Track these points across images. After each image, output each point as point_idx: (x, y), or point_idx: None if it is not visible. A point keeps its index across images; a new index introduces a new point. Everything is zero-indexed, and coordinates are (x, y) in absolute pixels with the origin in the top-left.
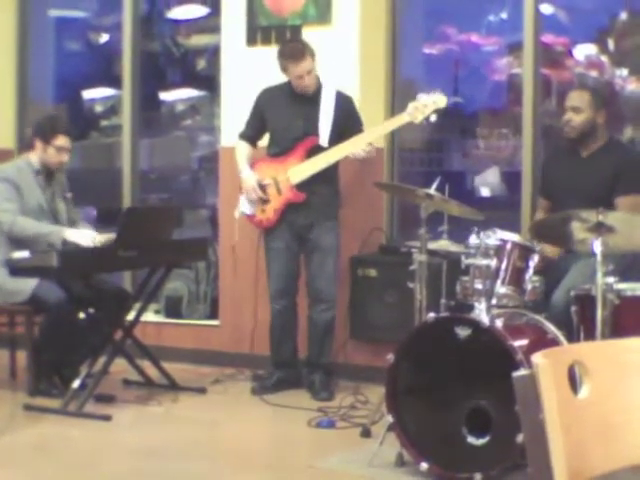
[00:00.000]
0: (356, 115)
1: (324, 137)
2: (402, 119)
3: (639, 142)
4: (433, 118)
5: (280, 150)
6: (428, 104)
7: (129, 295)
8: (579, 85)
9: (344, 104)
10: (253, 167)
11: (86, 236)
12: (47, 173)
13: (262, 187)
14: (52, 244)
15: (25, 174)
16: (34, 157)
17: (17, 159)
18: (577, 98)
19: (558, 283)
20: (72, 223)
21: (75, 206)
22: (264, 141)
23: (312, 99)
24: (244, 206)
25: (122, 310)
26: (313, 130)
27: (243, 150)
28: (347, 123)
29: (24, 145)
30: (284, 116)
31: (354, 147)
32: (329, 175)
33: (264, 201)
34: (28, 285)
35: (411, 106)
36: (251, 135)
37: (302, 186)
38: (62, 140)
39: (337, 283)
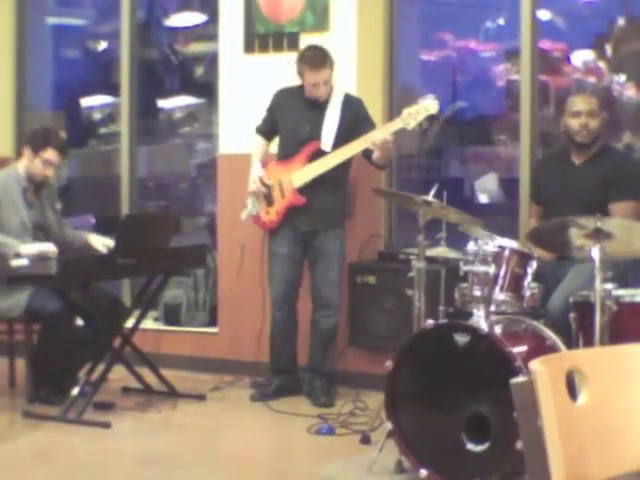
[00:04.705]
0: (365, 116)
1: (327, 141)
2: (395, 125)
3: (637, 148)
4: (425, 124)
5: (287, 154)
6: (420, 110)
7: (124, 306)
8: (582, 90)
9: (351, 107)
10: (263, 168)
11: (45, 247)
12: (36, 186)
13: (267, 188)
14: (3, 255)
15: (12, 189)
16: (21, 166)
17: (6, 169)
18: (590, 103)
19: (554, 289)
20: (61, 235)
21: (70, 215)
22: (275, 144)
23: (321, 103)
24: (251, 207)
25: (118, 319)
26: (318, 134)
27: (257, 145)
28: (355, 125)
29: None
30: (292, 120)
31: (352, 152)
32: (336, 181)
33: (269, 201)
34: (21, 299)
35: (405, 112)
36: (266, 130)
37: (307, 190)
38: (51, 154)
39: (341, 290)
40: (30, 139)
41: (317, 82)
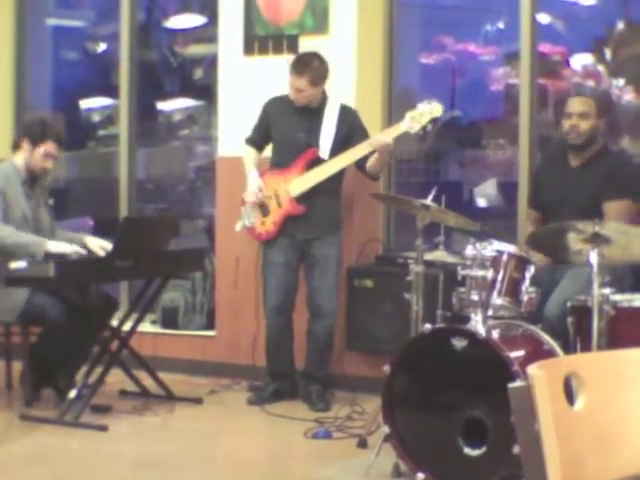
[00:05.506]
0: (360, 127)
1: (325, 149)
2: (399, 129)
3: (631, 153)
4: (429, 127)
5: (282, 162)
6: (424, 113)
7: (116, 302)
8: (581, 92)
9: (347, 117)
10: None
11: (71, 247)
12: (31, 180)
13: (265, 198)
14: (33, 255)
15: (12, 182)
16: (19, 159)
17: (4, 162)
18: (584, 105)
19: (550, 293)
20: (52, 231)
21: (68, 217)
22: (268, 152)
23: (316, 112)
24: (246, 218)
25: (108, 315)
26: (314, 142)
27: (249, 155)
28: (350, 135)
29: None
30: (287, 128)
31: (352, 158)
32: (332, 189)
33: (264, 211)
34: (16, 304)
35: (408, 116)
36: (257, 140)
37: (303, 199)
38: (50, 146)
39: (337, 297)
40: (28, 131)
41: (292, 86)
